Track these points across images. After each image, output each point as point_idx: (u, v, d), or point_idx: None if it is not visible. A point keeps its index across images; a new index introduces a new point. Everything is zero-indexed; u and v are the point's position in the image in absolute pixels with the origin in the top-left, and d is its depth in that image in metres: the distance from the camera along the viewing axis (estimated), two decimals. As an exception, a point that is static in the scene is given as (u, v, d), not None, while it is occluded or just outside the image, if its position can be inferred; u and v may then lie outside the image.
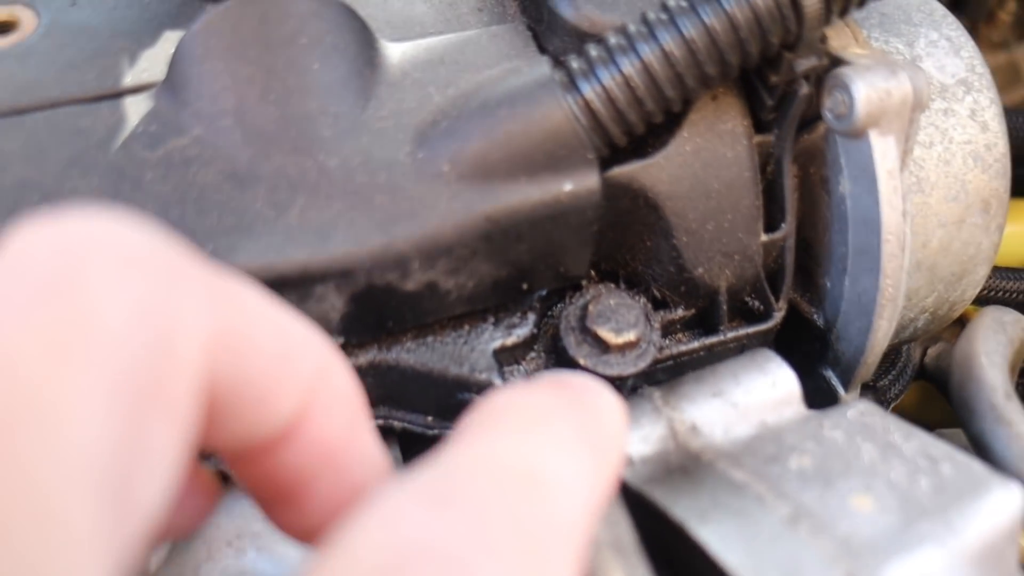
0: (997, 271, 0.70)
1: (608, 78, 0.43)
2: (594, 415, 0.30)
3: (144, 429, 0.22)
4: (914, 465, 0.40)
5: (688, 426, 0.44)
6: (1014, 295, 0.69)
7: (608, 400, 0.31)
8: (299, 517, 0.30)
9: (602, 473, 0.29)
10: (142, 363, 0.22)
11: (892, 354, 0.66)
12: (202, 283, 0.25)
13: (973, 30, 1.00)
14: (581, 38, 0.46)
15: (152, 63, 0.46)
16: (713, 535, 0.37)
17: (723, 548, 0.37)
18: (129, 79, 0.45)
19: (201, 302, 0.25)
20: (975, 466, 0.40)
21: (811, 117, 0.50)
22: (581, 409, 0.30)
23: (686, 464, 0.42)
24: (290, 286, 0.41)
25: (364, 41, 0.45)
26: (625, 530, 0.36)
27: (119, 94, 0.44)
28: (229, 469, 0.30)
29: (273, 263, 0.40)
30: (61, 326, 0.21)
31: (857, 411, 0.43)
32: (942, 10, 0.58)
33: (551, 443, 0.28)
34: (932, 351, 0.67)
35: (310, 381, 0.28)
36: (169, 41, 0.47)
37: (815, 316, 0.54)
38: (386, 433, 0.48)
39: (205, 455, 0.42)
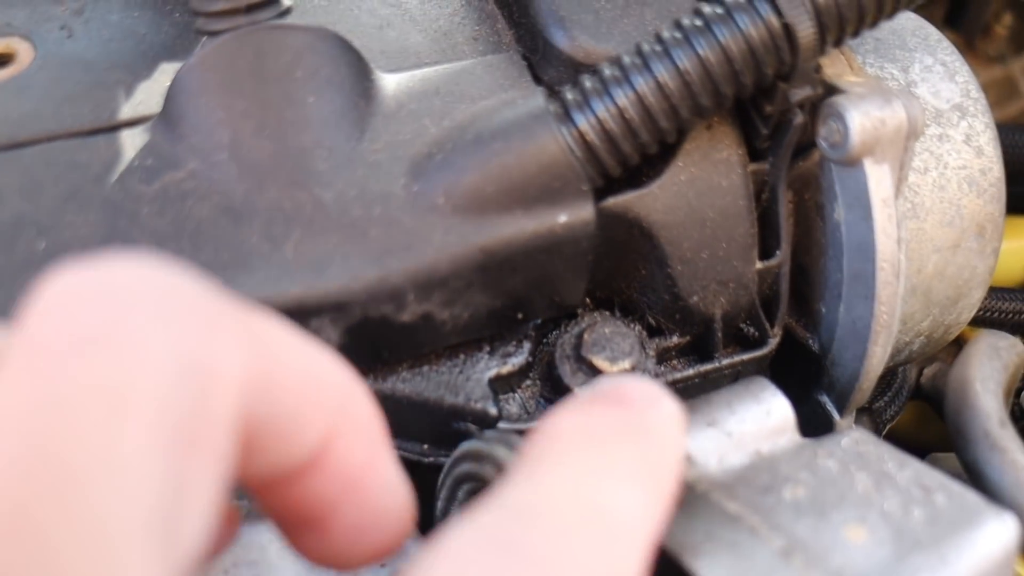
0: (994, 291, 0.70)
1: (603, 109, 0.43)
2: (655, 437, 0.30)
3: (187, 473, 0.23)
4: (908, 495, 0.40)
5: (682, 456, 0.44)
6: (1010, 315, 0.69)
7: (667, 411, 0.31)
8: (322, 543, 0.30)
9: (662, 501, 0.30)
10: (186, 409, 0.23)
11: (888, 375, 0.66)
12: (236, 323, 0.25)
13: (969, 44, 1.00)
14: (576, 68, 0.46)
15: (148, 96, 0.46)
16: (707, 568, 0.37)
17: (717, 582, 0.37)
18: (125, 112, 0.45)
19: (237, 343, 0.25)
20: (969, 496, 0.40)
21: (806, 144, 0.50)
22: (642, 432, 0.30)
23: (680, 494, 0.42)
24: (286, 320, 0.41)
25: (359, 73, 0.45)
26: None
27: (115, 127, 0.44)
28: (251, 497, 0.30)
29: (269, 297, 0.40)
30: (111, 379, 0.22)
31: (851, 439, 0.43)
32: (937, 35, 0.58)
33: (615, 476, 0.28)
34: (928, 371, 0.67)
35: (335, 410, 0.28)
36: (165, 74, 0.47)
37: (810, 341, 0.54)
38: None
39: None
